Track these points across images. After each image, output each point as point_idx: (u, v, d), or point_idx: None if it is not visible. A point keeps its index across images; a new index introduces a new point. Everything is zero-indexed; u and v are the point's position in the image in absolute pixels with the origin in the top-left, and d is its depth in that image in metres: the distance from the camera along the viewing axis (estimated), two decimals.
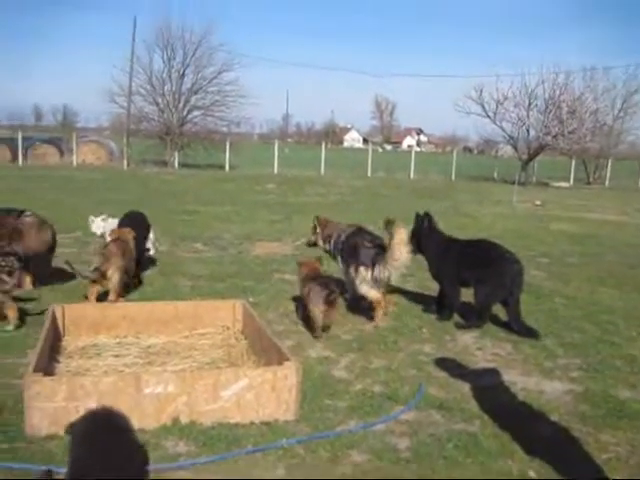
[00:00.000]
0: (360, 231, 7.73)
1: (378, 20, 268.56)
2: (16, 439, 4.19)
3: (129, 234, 7.93)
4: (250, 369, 4.85)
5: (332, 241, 7.96)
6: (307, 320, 6.87)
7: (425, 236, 7.74)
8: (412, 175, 40.69)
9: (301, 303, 7.21)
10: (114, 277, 7.13)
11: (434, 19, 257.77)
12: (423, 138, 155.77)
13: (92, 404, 4.22)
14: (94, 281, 7.16)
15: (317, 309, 6.57)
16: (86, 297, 7.17)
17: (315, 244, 8.30)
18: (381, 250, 7.20)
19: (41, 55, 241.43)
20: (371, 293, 7.27)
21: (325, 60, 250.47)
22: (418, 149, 76.29)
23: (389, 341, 6.56)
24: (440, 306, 7.60)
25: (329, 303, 6.58)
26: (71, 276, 7.96)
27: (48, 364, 4.94)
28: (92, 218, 10.00)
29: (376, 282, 7.20)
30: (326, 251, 8.13)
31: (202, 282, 8.66)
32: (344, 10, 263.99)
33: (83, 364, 5.29)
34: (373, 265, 7.16)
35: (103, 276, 7.11)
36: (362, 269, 7.24)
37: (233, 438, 4.33)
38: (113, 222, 9.69)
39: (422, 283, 8.53)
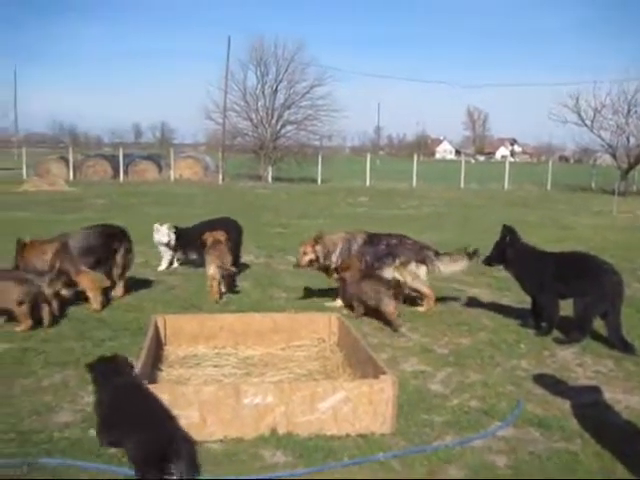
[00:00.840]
0: (375, 234, 8.52)
1: (466, 32, 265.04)
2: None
3: (222, 236, 8.62)
4: (347, 382, 4.87)
5: (338, 251, 8.21)
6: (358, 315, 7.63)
7: (511, 250, 7.60)
8: (506, 186, 39.92)
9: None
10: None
11: (523, 29, 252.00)
12: (517, 148, 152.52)
13: (194, 412, 4.35)
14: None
15: (391, 306, 7.28)
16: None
17: (311, 264, 8.33)
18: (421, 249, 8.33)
19: (140, 75, 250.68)
20: (424, 288, 8.25)
21: (416, 72, 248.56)
22: (512, 159, 74.55)
23: (485, 356, 6.45)
24: (537, 320, 7.42)
25: (396, 297, 7.33)
26: (170, 288, 8.29)
27: (151, 372, 5.12)
28: (157, 227, 10.30)
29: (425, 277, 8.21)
30: (324, 268, 8.32)
31: (296, 294, 8.76)
32: (434, 22, 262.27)
33: (184, 373, 5.44)
34: (423, 262, 8.23)
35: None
36: (414, 265, 8.16)
37: (329, 450, 4.36)
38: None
39: (519, 297, 8.35)
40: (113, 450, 4.24)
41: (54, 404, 5.01)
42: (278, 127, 46.33)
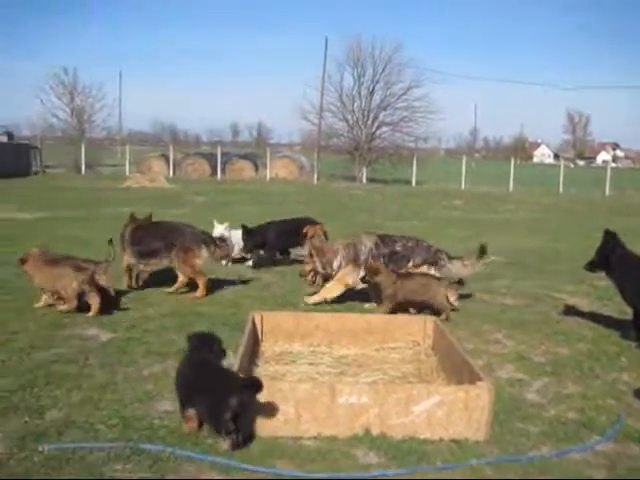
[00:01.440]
0: (387, 236, 8.64)
1: (567, 31, 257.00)
2: (219, 435, 4.47)
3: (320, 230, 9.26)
4: (442, 386, 4.84)
5: (339, 258, 8.19)
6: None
7: (613, 256, 7.35)
8: (607, 192, 38.53)
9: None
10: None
11: (628, 27, 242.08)
12: (619, 153, 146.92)
13: (289, 409, 4.43)
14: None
15: (443, 298, 7.73)
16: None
17: (312, 273, 8.35)
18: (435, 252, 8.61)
19: (238, 76, 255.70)
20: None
21: (514, 73, 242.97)
22: (614, 165, 71.86)
23: (585, 367, 6.27)
24: (639, 332, 7.15)
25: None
26: (266, 285, 8.49)
27: (248, 367, 5.23)
28: (216, 224, 10.69)
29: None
30: (326, 277, 8.30)
31: None
32: (534, 21, 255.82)
33: (279, 369, 5.54)
34: (436, 264, 8.46)
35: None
36: (426, 268, 8.39)
37: (422, 453, 4.34)
38: (236, 233, 10.74)
39: (620, 307, 8.07)
40: (210, 440, 4.37)
41: (155, 393, 5.19)
42: (373, 128, 46.29)
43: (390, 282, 7.69)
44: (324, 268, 8.19)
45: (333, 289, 8.19)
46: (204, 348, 4.74)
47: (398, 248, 8.35)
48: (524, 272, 11.13)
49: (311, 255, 8.21)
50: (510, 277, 10.59)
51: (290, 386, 4.51)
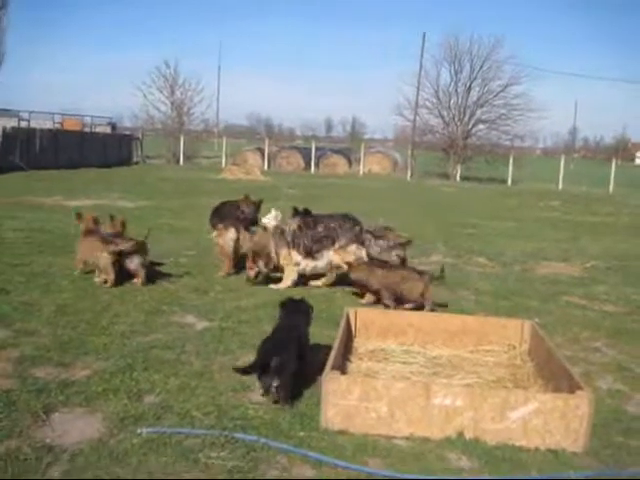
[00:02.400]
0: (311, 218, 8.70)
1: None
2: (312, 429, 4.50)
3: None
4: (539, 393, 4.71)
5: (272, 246, 8.44)
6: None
7: None
8: None
9: None
10: None
11: None
12: None
13: (383, 407, 4.41)
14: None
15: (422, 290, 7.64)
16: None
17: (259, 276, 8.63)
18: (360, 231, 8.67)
19: (333, 70, 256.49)
20: None
21: (618, 71, 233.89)
22: None
23: None
24: None
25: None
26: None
27: (342, 363, 5.23)
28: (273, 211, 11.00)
29: None
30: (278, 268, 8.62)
31: (486, 298, 8.59)
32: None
33: (372, 367, 5.52)
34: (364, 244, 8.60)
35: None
36: (355, 247, 8.52)
37: (517, 461, 4.23)
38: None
39: None
40: (302, 433, 4.40)
41: (249, 383, 5.24)
42: (470, 126, 45.63)
43: (374, 274, 7.79)
44: (267, 265, 8.51)
45: (289, 275, 8.54)
46: (295, 313, 5.53)
47: (320, 229, 8.40)
48: (626, 278, 10.69)
49: (253, 261, 8.50)
50: (611, 283, 10.20)
51: (384, 384, 4.48)
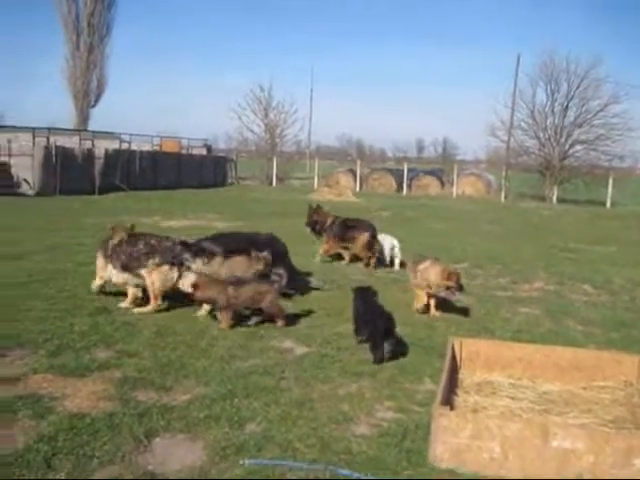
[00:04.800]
0: (136, 234, 8.37)
1: None
2: (418, 465, 4.29)
3: None
4: None
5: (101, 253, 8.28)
6: None
7: None
8: None
9: None
10: None
11: None
12: None
13: (496, 447, 4.15)
14: None
15: (275, 303, 7.63)
16: None
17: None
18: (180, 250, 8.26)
19: (424, 90, 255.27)
20: (154, 292, 8.10)
21: None
22: None
23: None
24: None
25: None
26: (463, 307, 8.27)
27: (448, 397, 5.00)
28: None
29: None
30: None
31: (594, 329, 8.13)
32: None
33: (480, 401, 5.24)
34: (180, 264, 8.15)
35: None
36: (167, 267, 8.11)
37: None
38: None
39: None
40: (409, 471, 4.19)
41: (351, 414, 5.10)
42: (567, 146, 44.26)
43: (225, 291, 7.45)
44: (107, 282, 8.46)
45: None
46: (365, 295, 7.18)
47: (141, 246, 8.05)
48: None
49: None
50: None
51: (498, 423, 4.22)
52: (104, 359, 6.07)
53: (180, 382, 5.60)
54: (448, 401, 4.77)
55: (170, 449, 4.44)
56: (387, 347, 6.35)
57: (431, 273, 8.18)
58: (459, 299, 8.84)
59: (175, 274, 8.02)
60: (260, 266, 8.28)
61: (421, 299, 8.37)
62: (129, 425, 4.68)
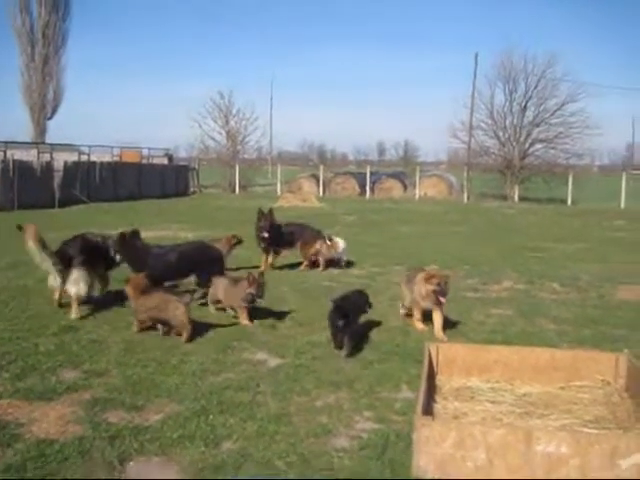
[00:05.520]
0: None
1: None
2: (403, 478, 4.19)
3: None
4: None
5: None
6: None
7: None
8: None
9: None
10: None
11: None
12: None
13: (480, 455, 4.07)
14: None
15: (183, 315, 7.25)
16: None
17: None
18: None
19: (384, 93, 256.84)
20: None
21: None
22: None
23: None
24: None
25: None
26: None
27: (427, 404, 4.90)
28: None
29: None
30: None
31: (566, 327, 8.12)
32: None
33: (460, 407, 5.16)
34: None
35: None
36: None
37: None
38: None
39: None
40: None
41: (330, 426, 4.97)
42: (526, 145, 44.79)
43: (135, 298, 7.50)
44: None
45: None
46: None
47: None
48: None
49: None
50: None
51: (481, 430, 4.12)
52: (71, 380, 5.85)
53: (152, 401, 5.42)
54: (428, 409, 4.68)
55: (145, 473, 4.26)
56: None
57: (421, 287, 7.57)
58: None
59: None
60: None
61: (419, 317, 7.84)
62: (101, 449, 4.49)
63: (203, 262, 9.12)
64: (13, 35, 48.56)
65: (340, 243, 12.38)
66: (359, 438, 4.79)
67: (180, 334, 7.21)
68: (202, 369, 6.21)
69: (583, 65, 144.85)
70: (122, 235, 8.84)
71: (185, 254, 9.18)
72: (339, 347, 6.68)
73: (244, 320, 7.86)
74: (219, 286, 8.27)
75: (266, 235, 12.04)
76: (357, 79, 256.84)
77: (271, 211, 12.41)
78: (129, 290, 7.59)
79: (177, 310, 7.18)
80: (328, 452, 4.54)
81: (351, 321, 6.81)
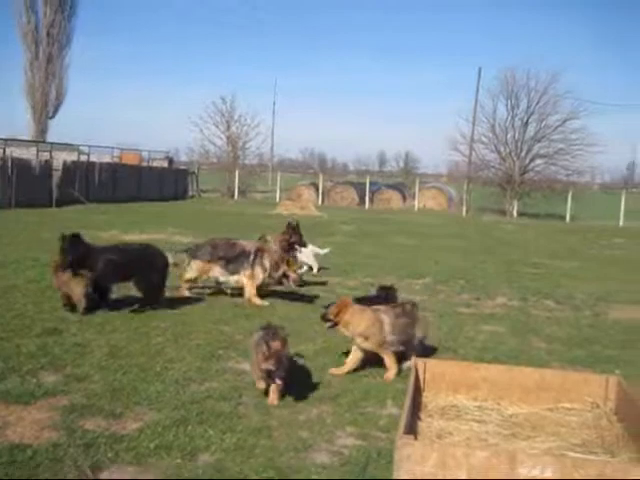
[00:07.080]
0: None
1: None
2: None
3: None
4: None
5: None
6: None
7: None
8: None
9: None
10: None
11: None
12: None
13: (462, 475, 3.95)
14: None
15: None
16: None
17: None
18: None
19: (387, 104, 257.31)
20: None
21: None
22: None
23: None
24: None
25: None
26: None
27: (411, 422, 4.79)
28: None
29: None
30: None
31: (558, 346, 8.02)
32: None
33: (444, 426, 5.04)
34: None
35: None
36: None
37: None
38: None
39: None
40: None
41: (311, 441, 4.86)
42: (527, 161, 44.79)
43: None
44: None
45: None
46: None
47: None
48: None
49: None
50: None
51: (464, 452, 4.01)
52: (51, 384, 5.73)
53: (131, 408, 5.30)
54: (412, 427, 4.56)
55: None
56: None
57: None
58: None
59: None
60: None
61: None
62: (74, 457, 4.37)
63: (142, 268, 8.68)
64: (18, 33, 48.73)
65: (308, 251, 11.53)
66: (340, 454, 4.68)
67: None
68: (185, 377, 6.09)
69: (586, 83, 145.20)
70: (63, 237, 8.48)
71: (127, 256, 8.77)
72: None
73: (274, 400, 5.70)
74: None
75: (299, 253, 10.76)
76: (360, 89, 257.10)
77: (298, 225, 10.44)
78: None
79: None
80: (307, 467, 4.43)
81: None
